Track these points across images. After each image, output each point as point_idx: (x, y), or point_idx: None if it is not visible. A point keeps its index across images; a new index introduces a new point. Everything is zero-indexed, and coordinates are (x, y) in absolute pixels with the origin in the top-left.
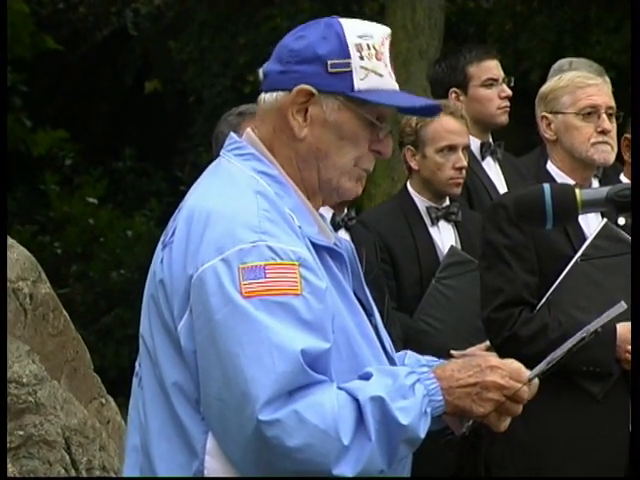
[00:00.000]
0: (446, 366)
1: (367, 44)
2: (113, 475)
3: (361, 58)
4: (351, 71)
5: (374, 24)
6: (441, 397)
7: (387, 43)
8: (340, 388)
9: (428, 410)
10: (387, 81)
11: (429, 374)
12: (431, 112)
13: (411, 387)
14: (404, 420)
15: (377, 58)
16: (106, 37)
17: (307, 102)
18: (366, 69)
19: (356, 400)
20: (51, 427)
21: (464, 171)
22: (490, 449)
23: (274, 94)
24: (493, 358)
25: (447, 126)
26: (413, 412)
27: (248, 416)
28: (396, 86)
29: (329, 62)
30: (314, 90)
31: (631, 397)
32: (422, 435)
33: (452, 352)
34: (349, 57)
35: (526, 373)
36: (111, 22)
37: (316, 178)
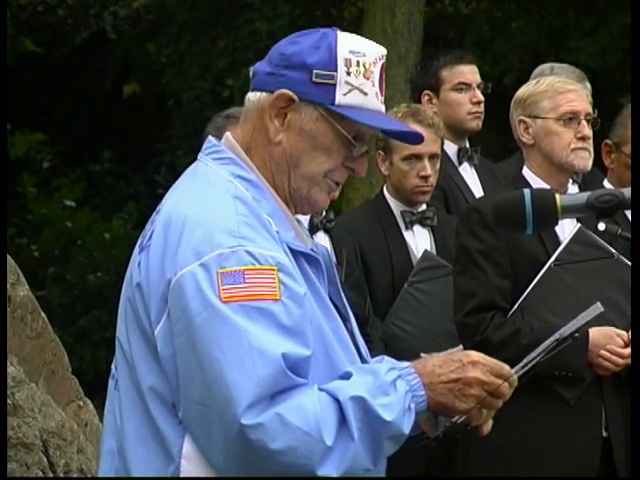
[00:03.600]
0: (427, 362)
1: (357, 61)
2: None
3: (348, 73)
4: (335, 84)
5: (371, 43)
6: (423, 392)
7: (380, 64)
8: (321, 389)
9: (412, 406)
10: (371, 100)
11: (410, 369)
12: (412, 139)
13: (392, 383)
14: (388, 417)
15: (365, 76)
16: (85, 40)
17: (287, 107)
18: (351, 85)
19: (337, 400)
20: (29, 430)
21: (430, 179)
22: (465, 454)
23: (258, 94)
24: (474, 353)
25: None
26: (396, 408)
27: (230, 420)
28: (381, 107)
29: (314, 71)
30: (295, 97)
31: (631, 397)
32: (406, 431)
33: (422, 355)
34: (335, 70)
35: (507, 368)
36: (90, 25)
37: (287, 185)
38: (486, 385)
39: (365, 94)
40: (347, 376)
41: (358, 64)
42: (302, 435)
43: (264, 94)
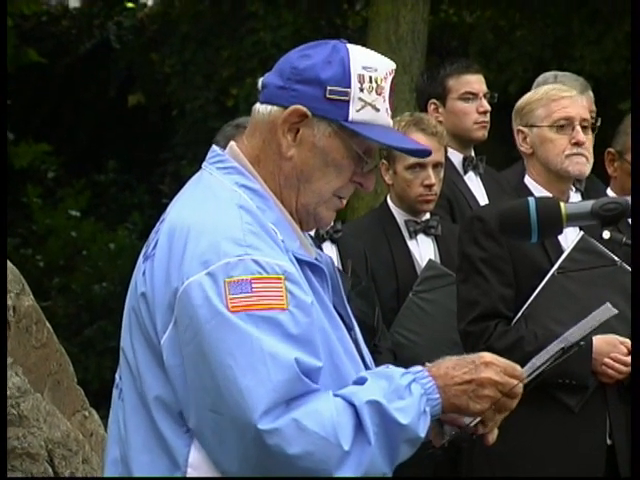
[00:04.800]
0: (440, 364)
1: (370, 76)
2: None
3: (361, 90)
4: (348, 101)
5: (381, 57)
6: (438, 395)
7: (390, 78)
8: (336, 395)
9: (427, 409)
10: (382, 116)
11: (424, 373)
12: (421, 154)
13: (407, 387)
14: (404, 420)
15: (377, 92)
16: (89, 50)
17: (300, 122)
18: (364, 101)
19: (353, 405)
20: (34, 440)
21: (434, 188)
22: (469, 462)
23: (269, 107)
24: (487, 354)
25: None
26: (412, 412)
27: (246, 426)
28: (390, 122)
29: (329, 88)
30: (309, 112)
31: (631, 401)
32: (422, 434)
33: (427, 364)
34: (349, 86)
35: (519, 368)
36: (94, 35)
37: (294, 200)
38: (499, 385)
39: (377, 110)
40: (361, 381)
41: (371, 80)
42: (319, 440)
43: (275, 108)
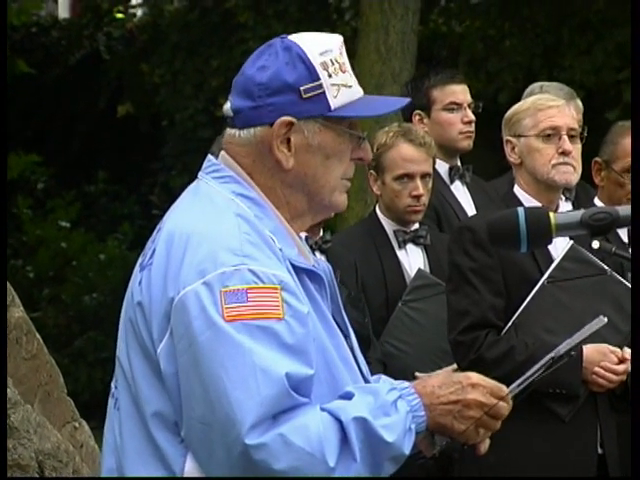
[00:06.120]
0: (427, 382)
1: (330, 59)
2: None
3: (329, 76)
4: (324, 92)
5: (328, 36)
6: (424, 413)
7: (344, 51)
8: (323, 409)
9: (412, 426)
10: (355, 90)
11: (410, 390)
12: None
13: (393, 404)
14: (389, 437)
15: (342, 70)
16: (79, 60)
17: (288, 132)
18: (337, 85)
19: (339, 421)
20: (24, 451)
21: (423, 199)
22: (459, 472)
23: (251, 130)
24: (474, 375)
25: (404, 154)
26: (398, 429)
27: (234, 440)
28: (361, 91)
29: (301, 88)
30: (294, 119)
31: (631, 405)
32: (407, 452)
33: (417, 374)
34: (319, 79)
35: (506, 389)
36: (84, 45)
37: (305, 201)
38: (485, 407)
39: (350, 87)
40: (348, 396)
41: (332, 62)
42: (305, 455)
43: (259, 128)
